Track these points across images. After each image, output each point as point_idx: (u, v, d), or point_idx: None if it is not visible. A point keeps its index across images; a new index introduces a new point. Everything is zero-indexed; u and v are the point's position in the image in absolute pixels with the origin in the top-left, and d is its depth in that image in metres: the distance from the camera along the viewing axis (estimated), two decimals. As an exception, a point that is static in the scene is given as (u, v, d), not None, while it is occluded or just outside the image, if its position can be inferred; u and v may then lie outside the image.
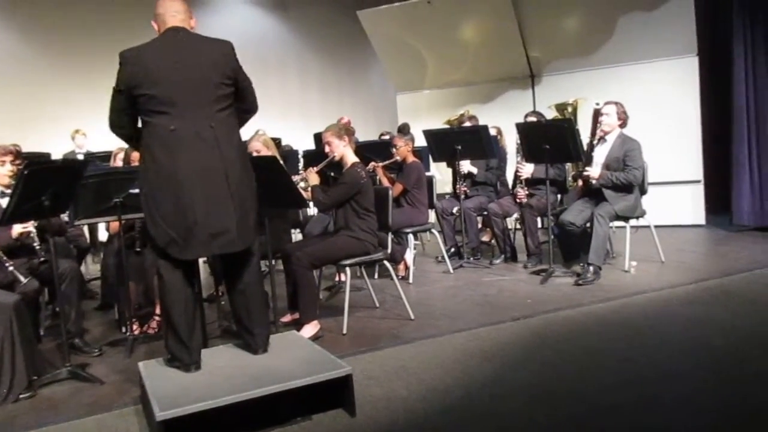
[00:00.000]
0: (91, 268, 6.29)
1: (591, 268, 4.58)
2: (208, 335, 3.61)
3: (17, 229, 3.44)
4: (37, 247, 3.47)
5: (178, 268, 2.70)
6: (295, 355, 2.80)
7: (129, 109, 2.65)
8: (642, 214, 4.90)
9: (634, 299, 4.11)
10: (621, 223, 4.93)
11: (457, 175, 5.74)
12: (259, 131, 4.43)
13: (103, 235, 6.11)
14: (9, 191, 3.38)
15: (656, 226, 5.06)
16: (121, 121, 2.69)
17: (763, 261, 4.81)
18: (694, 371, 2.82)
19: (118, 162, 4.66)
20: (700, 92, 6.60)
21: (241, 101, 2.84)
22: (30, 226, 3.46)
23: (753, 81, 5.98)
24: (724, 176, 6.42)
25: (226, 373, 2.63)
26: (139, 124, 2.73)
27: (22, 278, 3.27)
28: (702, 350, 3.08)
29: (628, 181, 4.69)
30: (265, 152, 4.16)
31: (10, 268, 3.27)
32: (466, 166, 5.71)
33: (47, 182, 3.04)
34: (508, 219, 5.57)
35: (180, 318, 2.68)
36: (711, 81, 6.78)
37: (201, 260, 4.44)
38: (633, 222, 4.89)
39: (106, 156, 5.52)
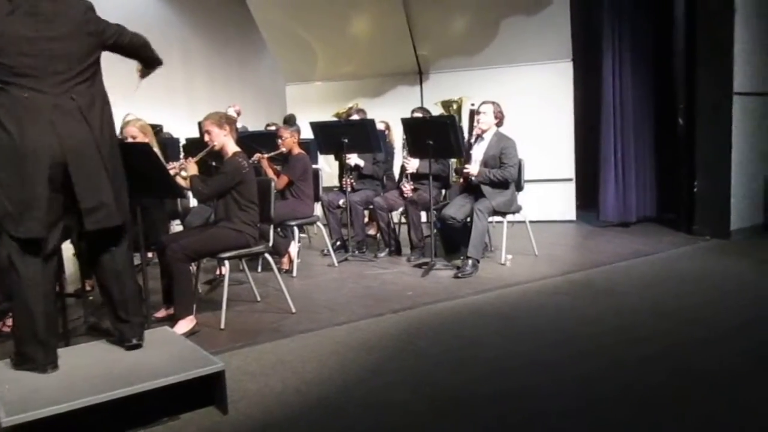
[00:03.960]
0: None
1: (470, 261, 4.75)
2: (73, 333, 3.39)
3: None
4: None
5: (35, 256, 2.48)
6: (165, 352, 2.68)
7: None
8: (518, 209, 5.14)
9: (508, 290, 4.31)
10: (499, 219, 5.15)
11: (343, 168, 5.74)
12: (129, 115, 4.21)
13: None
14: None
15: (531, 222, 5.34)
16: None
17: (623, 254, 5.21)
18: (560, 359, 2.99)
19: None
20: (574, 95, 7.03)
21: (134, 56, 2.79)
22: None
23: (619, 84, 6.42)
24: (593, 174, 6.87)
25: (88, 373, 2.47)
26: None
27: None
28: (568, 338, 3.29)
29: (504, 177, 4.90)
30: (141, 138, 3.94)
31: None
32: (353, 159, 5.73)
33: None
34: (393, 213, 5.66)
35: (37, 313, 2.46)
36: (584, 85, 7.25)
37: (69, 251, 4.16)
38: (510, 217, 5.12)
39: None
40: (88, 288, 3.92)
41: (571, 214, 7.11)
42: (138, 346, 2.73)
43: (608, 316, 3.64)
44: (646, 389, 2.59)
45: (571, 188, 7.10)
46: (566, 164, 7.04)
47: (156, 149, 3.58)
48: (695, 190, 5.83)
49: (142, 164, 3.20)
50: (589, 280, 4.49)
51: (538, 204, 6.62)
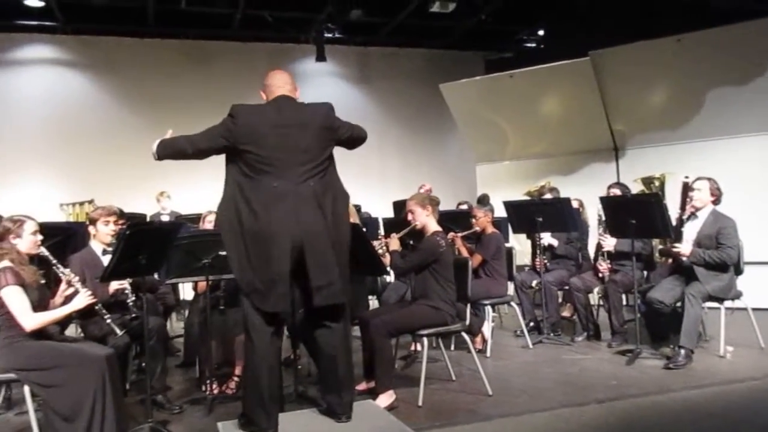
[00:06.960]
0: (174, 325, 6.50)
1: (682, 351, 4.31)
2: (284, 399, 3.63)
3: (114, 285, 3.63)
4: (131, 303, 3.64)
5: (267, 328, 2.76)
6: (371, 426, 2.77)
7: (217, 151, 2.85)
8: (738, 295, 4.62)
9: (730, 387, 3.83)
10: (714, 304, 4.65)
11: (536, 248, 5.65)
12: None
13: (186, 294, 6.32)
14: (110, 249, 3.61)
15: (754, 309, 4.74)
16: (204, 151, 2.87)
17: None
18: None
19: (207, 224, 4.87)
20: (799, 168, 6.28)
21: (351, 145, 3.11)
22: (125, 283, 3.65)
23: None
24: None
25: (303, 440, 2.62)
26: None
27: (118, 330, 3.38)
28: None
29: (721, 260, 4.44)
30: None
31: (108, 320, 3.39)
32: (546, 238, 5.62)
33: (145, 242, 3.22)
34: (590, 294, 5.39)
35: (264, 381, 2.71)
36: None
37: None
38: (728, 303, 4.61)
39: (194, 218, 5.79)
40: (297, 357, 4.20)
41: (803, 301, 6.19)
42: (347, 421, 2.84)
43: None
44: None
45: (802, 272, 6.22)
46: (794, 245, 6.22)
47: (361, 229, 3.83)
48: None
49: (352, 244, 3.42)
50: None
51: (764, 289, 5.86)
